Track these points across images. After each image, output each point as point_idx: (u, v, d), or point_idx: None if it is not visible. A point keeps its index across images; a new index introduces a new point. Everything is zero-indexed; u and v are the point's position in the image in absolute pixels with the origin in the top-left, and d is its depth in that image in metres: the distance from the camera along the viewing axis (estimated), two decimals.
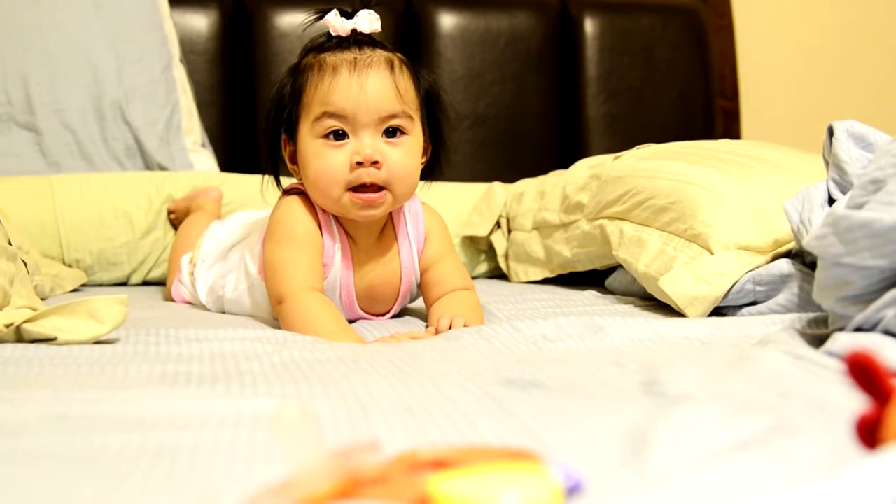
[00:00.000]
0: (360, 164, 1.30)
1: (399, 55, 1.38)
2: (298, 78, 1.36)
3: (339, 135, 1.32)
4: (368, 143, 1.31)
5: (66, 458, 0.67)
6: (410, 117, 1.35)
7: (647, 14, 2.60)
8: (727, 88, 2.70)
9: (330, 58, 1.34)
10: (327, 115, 1.31)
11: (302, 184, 1.40)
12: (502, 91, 2.47)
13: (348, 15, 1.36)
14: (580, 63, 2.53)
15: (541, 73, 2.50)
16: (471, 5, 2.50)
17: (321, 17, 1.37)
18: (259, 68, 2.36)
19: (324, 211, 1.38)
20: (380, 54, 1.35)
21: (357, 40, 1.35)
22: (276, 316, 1.35)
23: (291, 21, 2.36)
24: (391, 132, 1.33)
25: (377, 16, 1.37)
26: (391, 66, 1.34)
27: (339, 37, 1.36)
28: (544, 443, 0.69)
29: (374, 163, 1.31)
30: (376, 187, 1.33)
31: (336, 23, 1.35)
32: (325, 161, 1.32)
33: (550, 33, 2.51)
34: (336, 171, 1.31)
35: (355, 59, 1.33)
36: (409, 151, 1.34)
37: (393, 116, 1.32)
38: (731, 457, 0.64)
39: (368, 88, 1.31)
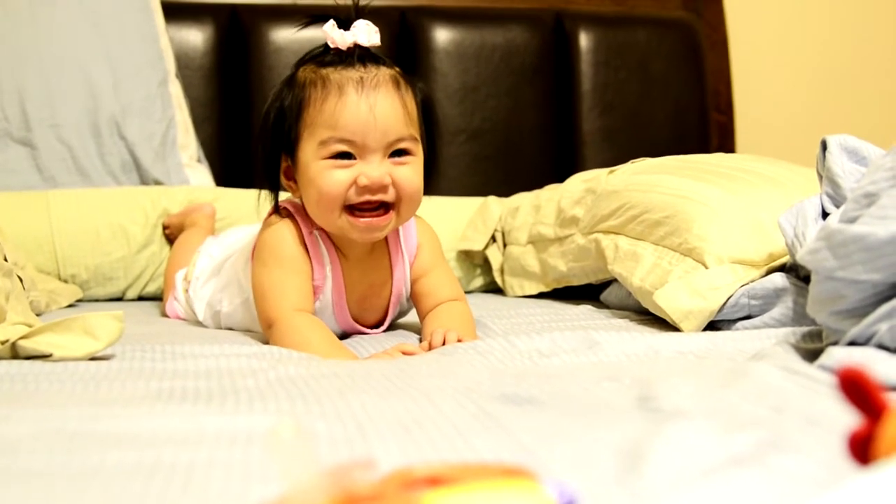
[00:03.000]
0: (366, 187, 1.28)
1: (399, 70, 1.35)
2: (298, 92, 1.32)
3: (346, 155, 1.29)
4: (376, 166, 1.29)
5: (62, 475, 0.67)
6: (416, 139, 1.33)
7: (641, 28, 2.61)
8: (721, 102, 2.71)
9: (333, 75, 1.30)
10: (334, 139, 1.28)
11: (292, 202, 1.39)
12: (497, 105, 2.48)
13: (345, 25, 1.32)
14: (575, 77, 2.53)
15: (535, 87, 2.50)
16: (465, 19, 2.50)
17: (313, 23, 1.33)
18: (254, 83, 2.36)
19: (311, 233, 1.36)
20: (384, 72, 1.31)
21: (359, 56, 1.31)
22: (267, 339, 1.34)
23: (287, 36, 2.37)
24: (398, 153, 1.31)
25: (376, 28, 1.33)
26: (397, 85, 1.31)
27: (337, 50, 1.32)
28: (539, 459, 0.69)
29: (383, 187, 1.29)
30: (382, 209, 1.31)
31: (335, 35, 1.31)
32: (328, 180, 1.29)
33: (545, 47, 2.52)
34: (339, 188, 1.29)
35: (361, 77, 1.29)
36: (415, 170, 1.33)
37: (400, 140, 1.30)
38: (725, 473, 0.64)
39: (378, 112, 1.28)
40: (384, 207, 1.31)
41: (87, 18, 2.17)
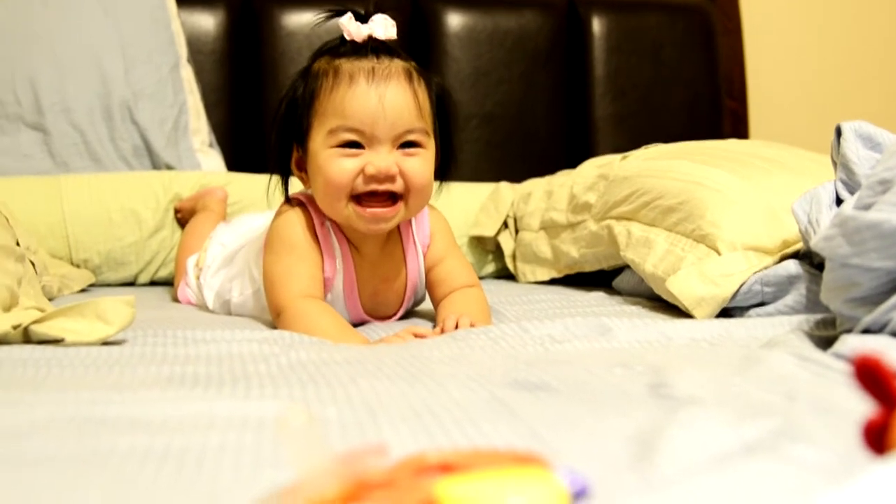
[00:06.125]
0: (372, 176, 1.28)
1: (414, 64, 1.34)
2: (311, 82, 1.32)
3: (355, 145, 1.29)
4: (384, 156, 1.28)
5: (73, 461, 0.67)
6: (426, 133, 1.32)
7: (654, 13, 2.60)
8: (735, 89, 2.70)
9: (346, 65, 1.30)
10: (343, 128, 1.28)
11: (305, 193, 1.39)
12: (509, 90, 2.47)
13: (363, 18, 1.32)
14: (587, 62, 2.53)
15: (548, 73, 2.50)
16: (478, 4, 2.50)
17: (333, 17, 1.34)
18: (266, 68, 2.36)
19: (322, 224, 1.36)
20: (397, 64, 1.31)
21: (373, 47, 1.31)
22: (277, 327, 1.33)
23: (299, 21, 2.36)
24: (407, 144, 1.30)
25: (392, 22, 1.33)
26: (409, 77, 1.31)
27: (353, 42, 1.32)
28: (551, 446, 0.69)
29: (390, 177, 1.28)
30: (390, 201, 1.30)
31: (351, 27, 1.31)
32: (335, 168, 1.28)
33: (558, 32, 2.51)
34: (346, 177, 1.28)
35: (373, 67, 1.29)
36: (425, 162, 1.32)
37: (410, 132, 1.29)
38: (738, 461, 0.63)
39: (387, 102, 1.27)
40: (392, 199, 1.31)
41: (98, 3, 2.17)
